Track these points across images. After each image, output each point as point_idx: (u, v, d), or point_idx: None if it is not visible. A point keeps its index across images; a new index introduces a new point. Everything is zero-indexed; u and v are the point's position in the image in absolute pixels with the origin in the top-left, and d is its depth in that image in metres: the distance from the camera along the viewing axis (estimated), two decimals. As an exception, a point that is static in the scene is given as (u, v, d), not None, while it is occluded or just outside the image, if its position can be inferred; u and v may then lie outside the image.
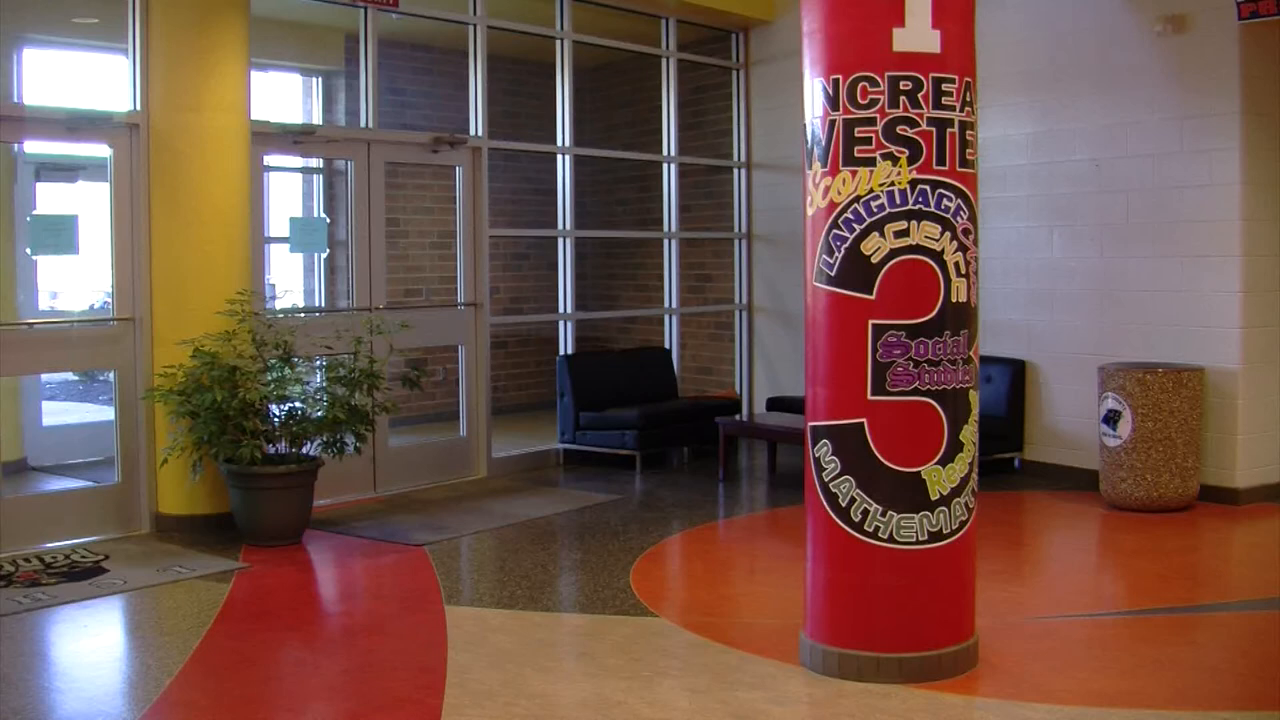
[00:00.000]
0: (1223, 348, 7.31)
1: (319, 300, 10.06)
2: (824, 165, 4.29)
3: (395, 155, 8.49)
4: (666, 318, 10.23)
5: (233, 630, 5.13)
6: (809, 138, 4.37)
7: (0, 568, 5.98)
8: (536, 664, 4.60)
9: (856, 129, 4.20)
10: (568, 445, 9.02)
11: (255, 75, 7.31)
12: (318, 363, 7.28)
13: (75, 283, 10.45)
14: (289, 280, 10.43)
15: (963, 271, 4.23)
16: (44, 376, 9.35)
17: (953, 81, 4.18)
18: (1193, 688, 4.32)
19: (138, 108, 6.82)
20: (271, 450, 6.55)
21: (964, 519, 4.30)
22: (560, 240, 9.41)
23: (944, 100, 4.17)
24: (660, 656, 4.68)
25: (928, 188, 4.17)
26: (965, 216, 4.24)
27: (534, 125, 10.41)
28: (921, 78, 4.15)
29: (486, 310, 8.58)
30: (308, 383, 6.97)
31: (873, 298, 4.19)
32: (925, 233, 4.17)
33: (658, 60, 9.86)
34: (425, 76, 10.58)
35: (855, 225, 4.20)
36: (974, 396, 4.34)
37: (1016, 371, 8.33)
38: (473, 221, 8.55)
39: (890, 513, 4.20)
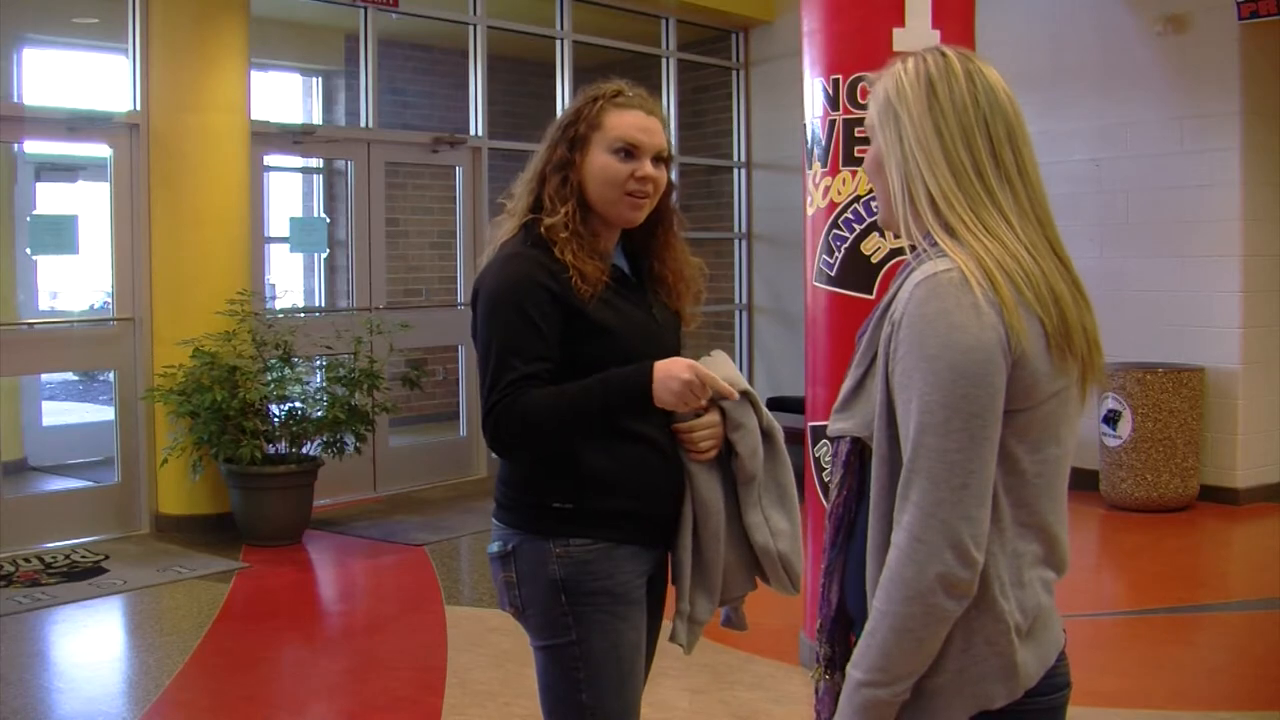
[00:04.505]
0: (1223, 348, 7.31)
1: (319, 300, 10.05)
2: (824, 165, 4.29)
3: (395, 155, 8.49)
4: (666, 318, 10.22)
5: (233, 630, 5.13)
6: (809, 138, 4.37)
7: (0, 568, 5.98)
8: (536, 664, 4.60)
9: (856, 129, 4.19)
10: (568, 445, 8.99)
11: (255, 75, 7.32)
12: (318, 363, 7.27)
13: (75, 283, 10.45)
14: (289, 280, 10.42)
15: (963, 271, 4.22)
16: (44, 376, 9.35)
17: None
18: (1193, 688, 4.33)
19: (138, 108, 6.82)
20: (271, 450, 6.54)
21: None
22: (560, 240, 9.39)
23: (944, 100, 4.17)
24: (660, 656, 4.67)
25: (928, 188, 4.17)
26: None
27: (534, 125, 10.38)
28: (921, 78, 4.15)
29: (486, 310, 8.56)
30: (308, 383, 6.97)
31: (873, 298, 4.18)
32: (925, 233, 4.17)
33: (658, 60, 9.85)
34: (425, 76, 10.57)
35: (855, 225, 4.20)
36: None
37: (1016, 371, 8.31)
38: (473, 221, 8.55)
39: (890, 513, 4.20)
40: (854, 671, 1.56)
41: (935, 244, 1.61)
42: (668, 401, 2.17)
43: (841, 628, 1.73)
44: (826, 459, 4.24)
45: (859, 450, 1.69)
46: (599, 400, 2.17)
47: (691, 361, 2.19)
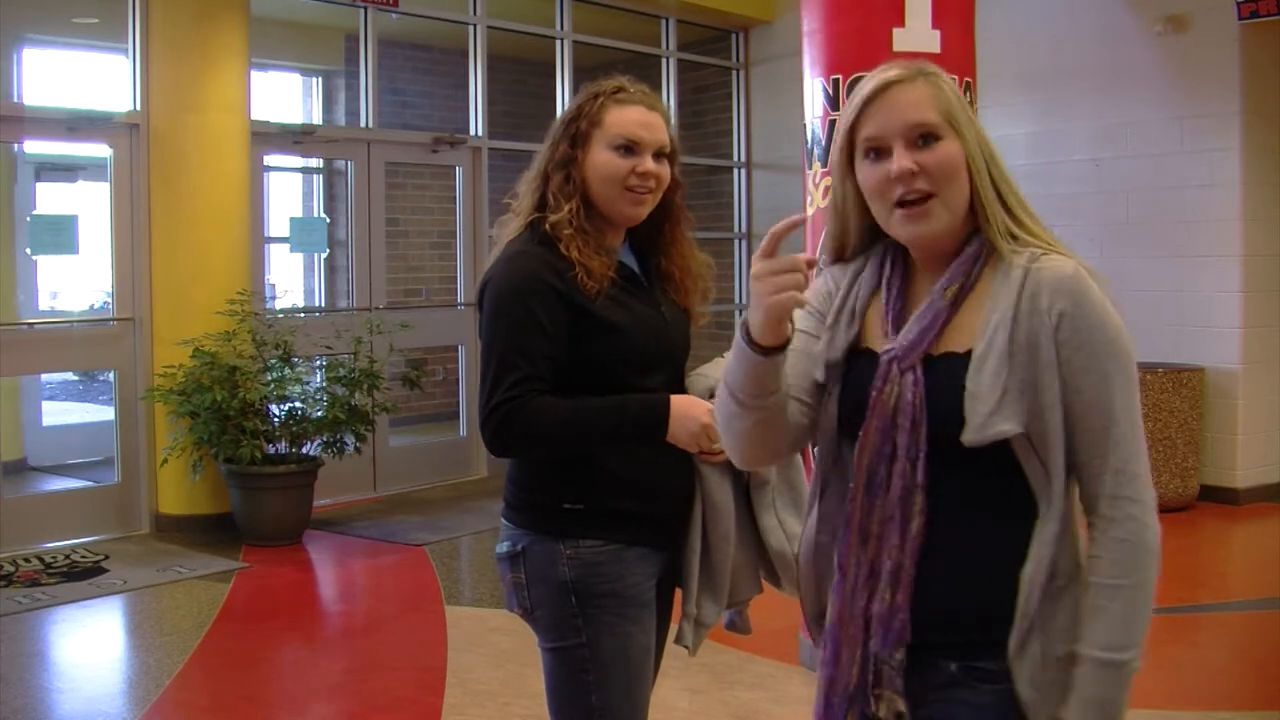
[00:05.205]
0: (1223, 348, 7.30)
1: (319, 300, 10.05)
2: (824, 165, 4.29)
3: (395, 155, 8.49)
4: (666, 318, 10.21)
5: (233, 630, 5.13)
6: (809, 138, 4.37)
7: (0, 568, 5.98)
8: (536, 664, 4.56)
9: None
10: (568, 445, 8.98)
11: (255, 75, 7.32)
12: (318, 363, 7.28)
13: (75, 283, 10.45)
14: (289, 280, 10.42)
15: (963, 271, 4.22)
16: (44, 376, 9.35)
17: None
18: (1193, 688, 4.32)
19: (138, 108, 6.82)
20: (271, 450, 6.54)
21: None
22: (560, 240, 9.39)
23: (944, 100, 4.17)
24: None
25: (928, 188, 4.16)
26: (965, 216, 4.24)
27: (534, 125, 10.39)
28: (921, 78, 4.15)
29: (486, 310, 8.56)
30: (308, 383, 6.97)
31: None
32: (925, 233, 4.17)
33: (658, 60, 9.85)
34: (425, 76, 10.57)
35: (855, 225, 4.19)
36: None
37: (1016, 371, 8.31)
38: (473, 221, 8.55)
39: (890, 513, 4.19)
40: (1117, 655, 1.53)
41: (1018, 244, 1.72)
42: (681, 440, 2.17)
43: (919, 643, 1.65)
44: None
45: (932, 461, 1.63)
46: (610, 424, 2.18)
47: (712, 406, 2.14)
